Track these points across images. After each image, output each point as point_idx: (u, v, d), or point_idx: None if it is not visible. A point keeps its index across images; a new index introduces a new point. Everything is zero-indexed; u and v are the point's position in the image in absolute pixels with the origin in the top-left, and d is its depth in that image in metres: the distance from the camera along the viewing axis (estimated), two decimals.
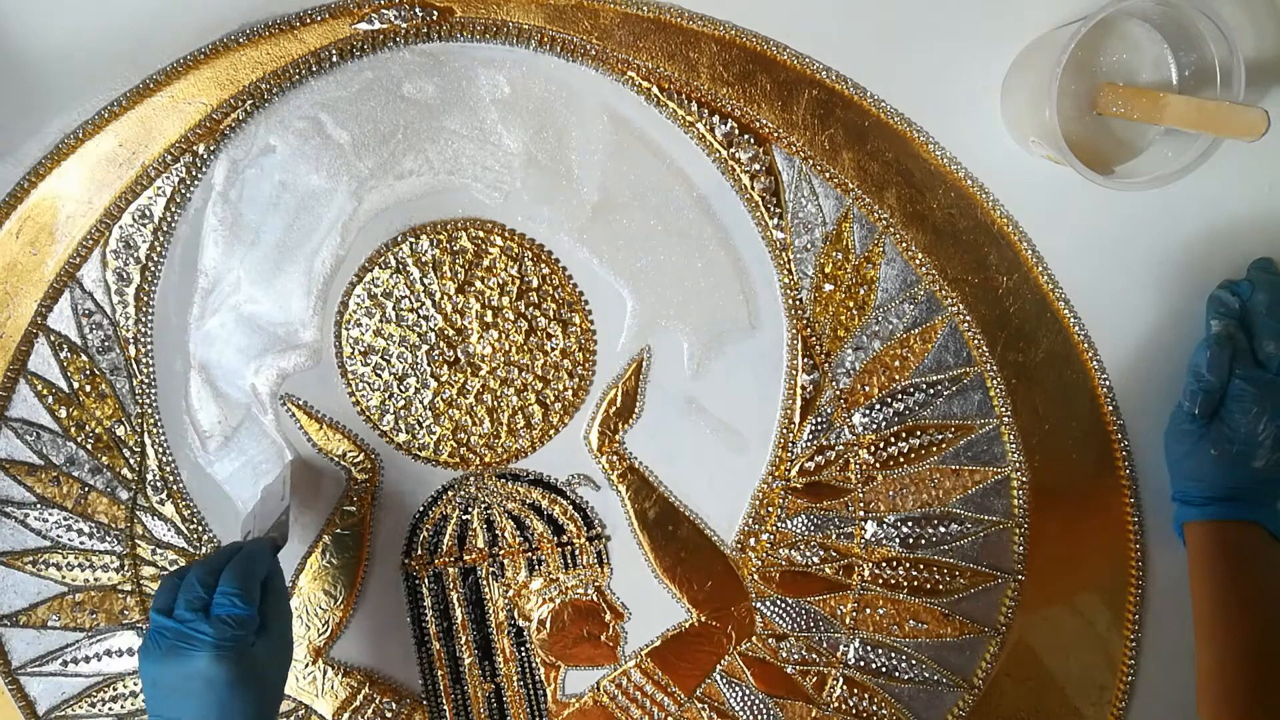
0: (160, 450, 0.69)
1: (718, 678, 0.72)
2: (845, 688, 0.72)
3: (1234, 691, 0.60)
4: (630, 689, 0.72)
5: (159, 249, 0.67)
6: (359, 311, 0.68)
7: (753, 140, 0.66)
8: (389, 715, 0.72)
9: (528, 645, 0.72)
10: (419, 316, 0.68)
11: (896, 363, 0.68)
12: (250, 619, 0.56)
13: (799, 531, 0.70)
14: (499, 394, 0.69)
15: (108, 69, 0.65)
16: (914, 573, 0.70)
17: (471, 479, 0.70)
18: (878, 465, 0.69)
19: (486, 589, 0.71)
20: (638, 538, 0.71)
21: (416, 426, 0.69)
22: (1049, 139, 0.59)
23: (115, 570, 0.70)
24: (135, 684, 0.72)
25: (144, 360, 0.68)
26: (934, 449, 0.69)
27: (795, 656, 0.71)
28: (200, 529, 0.70)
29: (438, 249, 0.67)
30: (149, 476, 0.69)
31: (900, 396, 0.69)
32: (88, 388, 0.68)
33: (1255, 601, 0.61)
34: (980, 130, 0.66)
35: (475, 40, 0.65)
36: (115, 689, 0.72)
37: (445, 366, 0.68)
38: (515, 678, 0.72)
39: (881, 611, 0.71)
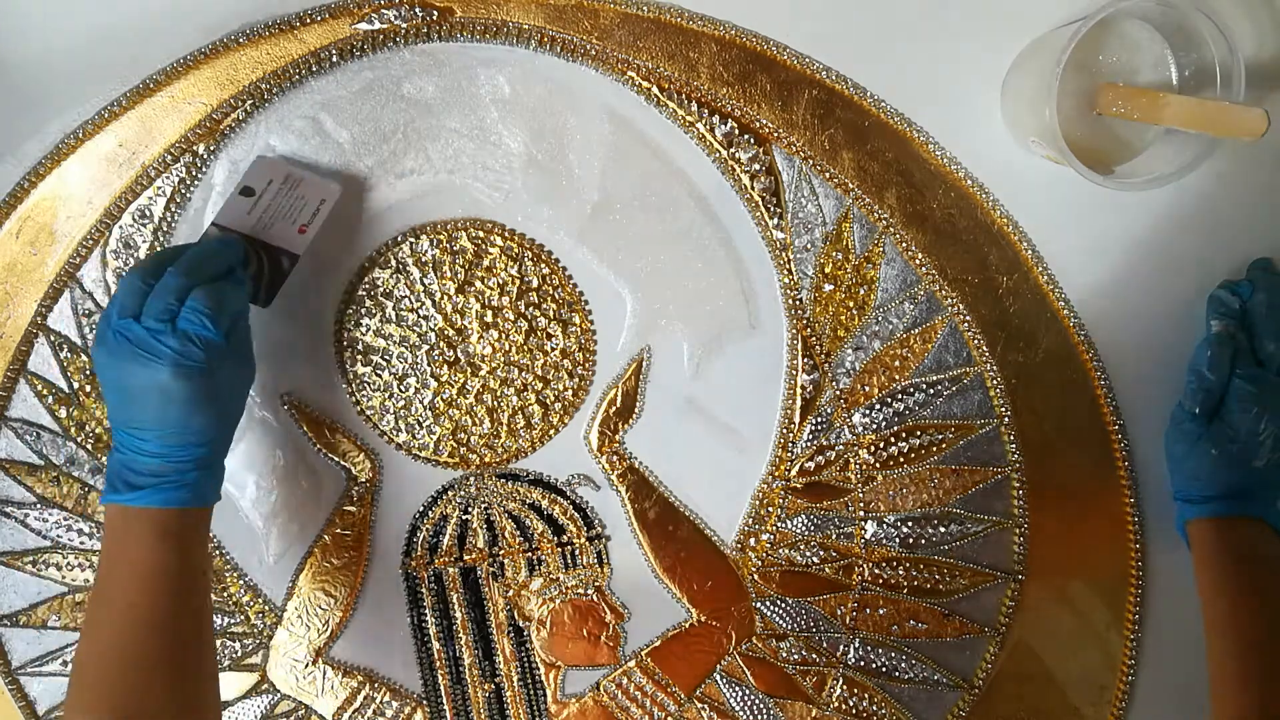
0: None
1: (718, 678, 0.72)
2: (845, 688, 0.72)
3: (1247, 682, 0.60)
4: (630, 689, 0.72)
5: (159, 249, 0.67)
6: (359, 311, 0.68)
7: (753, 140, 0.66)
8: (389, 715, 0.72)
9: (528, 645, 0.72)
10: (419, 316, 0.68)
11: (896, 363, 0.68)
12: (217, 344, 0.55)
13: (799, 531, 0.70)
14: (499, 394, 0.69)
15: (108, 69, 0.65)
16: (914, 573, 0.70)
17: (471, 479, 0.70)
18: (878, 465, 0.69)
19: (486, 589, 0.71)
20: (638, 538, 0.71)
21: (416, 426, 0.69)
22: (1049, 139, 0.59)
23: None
24: None
25: None
26: (934, 449, 0.69)
27: (795, 656, 0.71)
28: None
29: (438, 249, 0.67)
30: None
31: (900, 396, 0.69)
32: (88, 388, 0.68)
33: (1263, 593, 0.61)
34: (980, 130, 0.66)
35: (475, 40, 0.65)
36: None
37: (445, 366, 0.68)
38: (515, 678, 0.72)
39: (881, 611, 0.71)
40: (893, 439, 0.69)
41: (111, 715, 0.55)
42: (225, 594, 0.71)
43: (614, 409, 0.69)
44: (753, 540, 0.71)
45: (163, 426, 0.55)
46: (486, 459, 0.70)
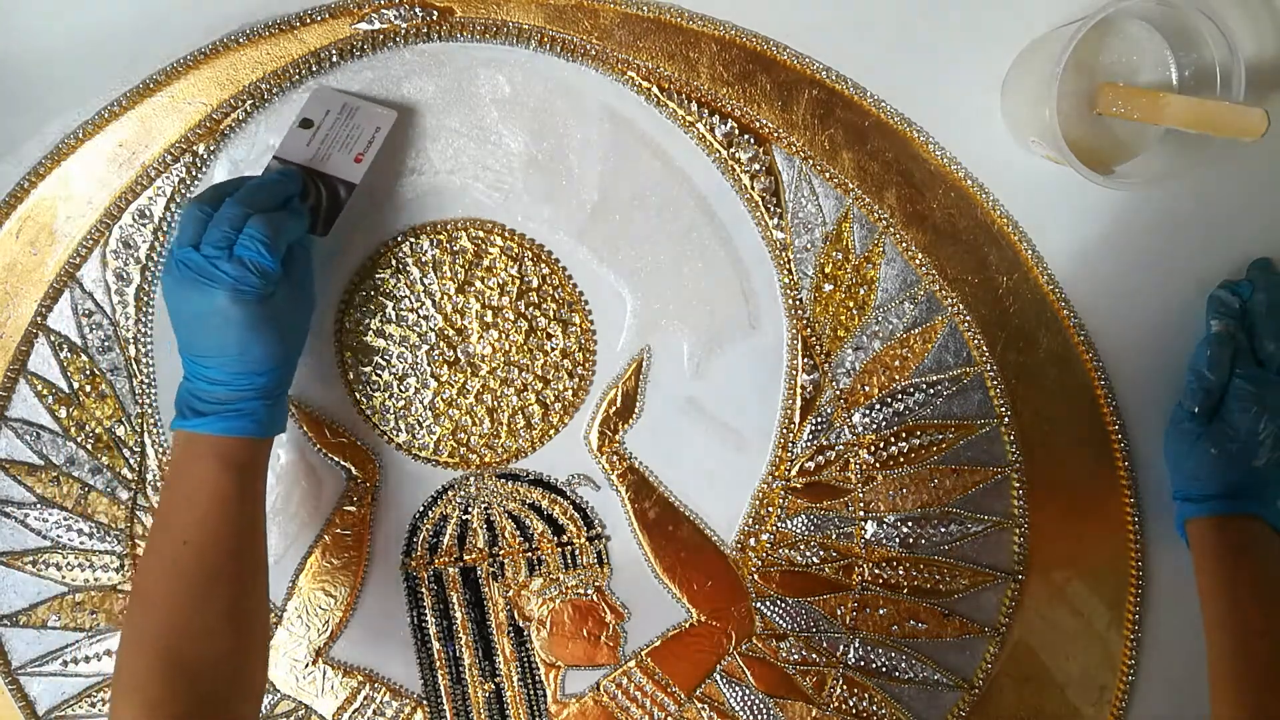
0: (160, 450, 0.69)
1: (718, 678, 0.72)
2: (845, 688, 0.72)
3: (1246, 679, 0.60)
4: (630, 689, 0.72)
5: (159, 249, 0.67)
6: (359, 311, 0.68)
7: (753, 140, 0.66)
8: (389, 715, 0.72)
9: (528, 645, 0.72)
10: (419, 316, 0.68)
11: (896, 363, 0.68)
12: (272, 271, 0.56)
13: (799, 531, 0.70)
14: (499, 394, 0.69)
15: (108, 69, 0.65)
16: (914, 573, 0.70)
17: (471, 479, 0.70)
18: (878, 465, 0.69)
19: (486, 589, 0.71)
20: (638, 538, 0.71)
21: (416, 426, 0.69)
22: (1049, 139, 0.59)
23: (115, 570, 0.70)
24: None
25: (144, 360, 0.68)
26: (934, 449, 0.69)
27: (795, 656, 0.71)
28: None
29: (438, 249, 0.67)
30: (149, 476, 0.69)
31: (900, 396, 0.69)
32: (88, 388, 0.68)
33: (1261, 590, 0.61)
34: (980, 130, 0.66)
35: (475, 40, 0.65)
36: None
37: (445, 366, 0.68)
38: (515, 678, 0.72)
39: (881, 611, 0.71)
40: (893, 439, 0.69)
41: (169, 633, 0.56)
42: None
43: (614, 409, 0.69)
44: (753, 540, 0.71)
45: (223, 352, 0.57)
46: (486, 459, 0.70)
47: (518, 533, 0.71)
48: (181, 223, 0.57)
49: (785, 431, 0.69)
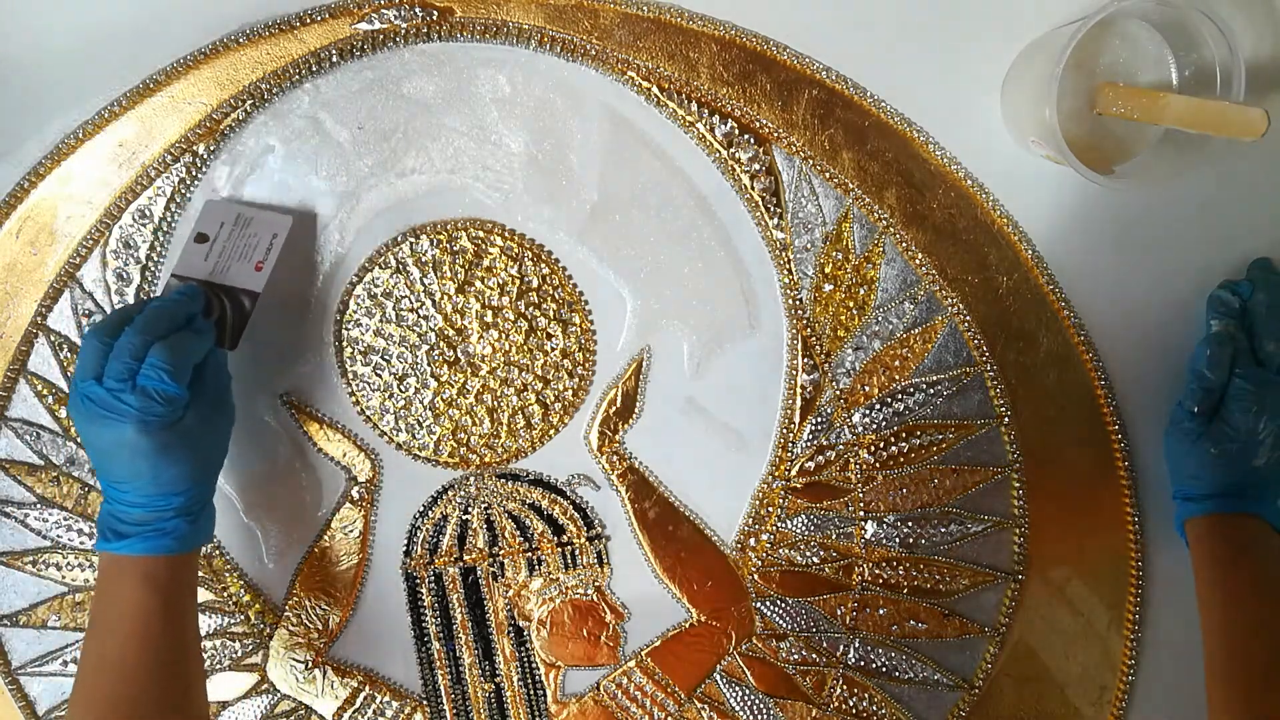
0: None
1: (718, 678, 0.72)
2: (845, 688, 0.72)
3: (1243, 678, 0.60)
4: (630, 689, 0.72)
5: (159, 249, 0.67)
6: (359, 311, 0.68)
7: (753, 140, 0.66)
8: (389, 715, 0.72)
9: (528, 645, 0.72)
10: (419, 316, 0.68)
11: (896, 363, 0.68)
12: (177, 396, 0.56)
13: (799, 531, 0.70)
14: (499, 394, 0.69)
15: (108, 69, 0.65)
16: (914, 573, 0.70)
17: (471, 479, 0.70)
18: (878, 465, 0.69)
19: (486, 589, 0.71)
20: (638, 538, 0.71)
21: (416, 426, 0.69)
22: (1049, 139, 0.59)
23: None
24: None
25: None
26: (934, 449, 0.69)
27: (795, 656, 0.71)
28: None
29: (438, 249, 0.67)
30: None
31: (900, 396, 0.69)
32: None
33: (1259, 587, 0.62)
34: (980, 130, 0.66)
35: (475, 40, 0.65)
36: None
37: (445, 366, 0.68)
38: (515, 678, 0.72)
39: (881, 611, 0.71)
40: (893, 439, 0.69)
41: None
42: (225, 594, 0.71)
43: (614, 409, 0.69)
44: (753, 540, 0.71)
45: (136, 478, 0.57)
46: (486, 459, 0.70)
47: (518, 533, 0.71)
48: (81, 354, 0.57)
49: (785, 431, 0.69)
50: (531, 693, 0.72)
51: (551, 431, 0.70)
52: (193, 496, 0.59)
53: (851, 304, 0.68)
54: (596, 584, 0.71)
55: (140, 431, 0.55)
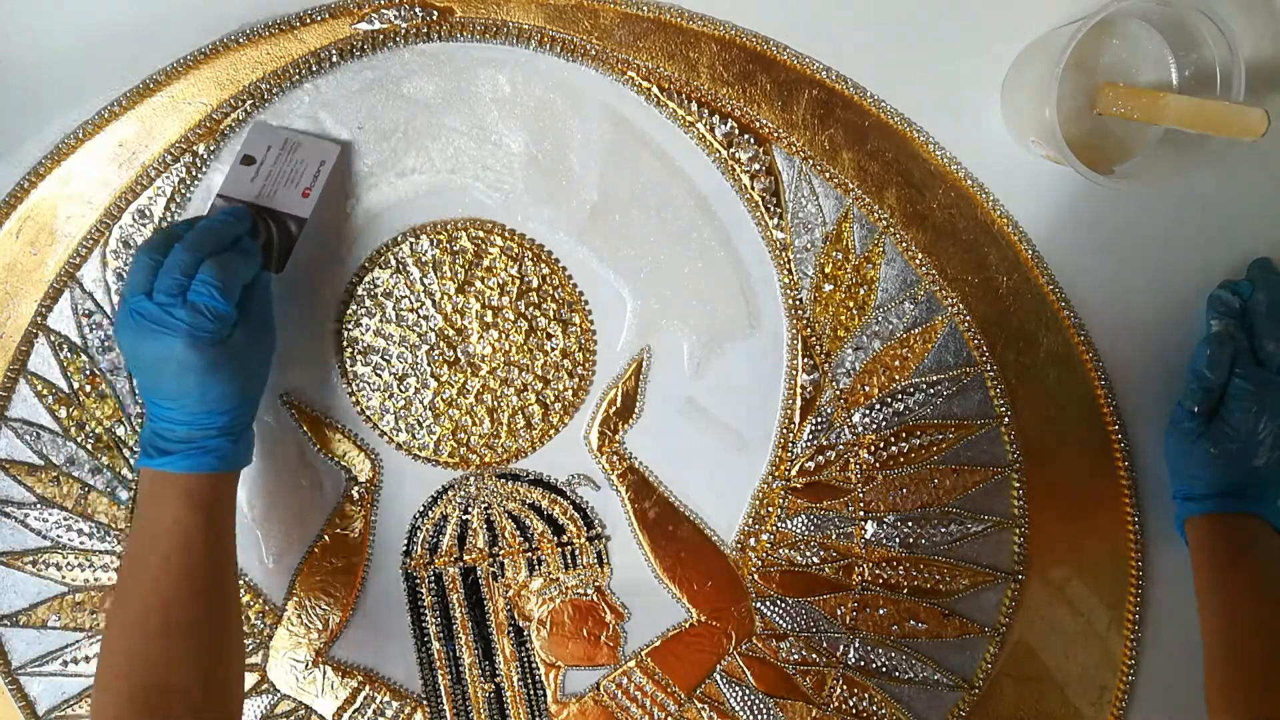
0: None
1: (718, 678, 0.72)
2: (845, 688, 0.72)
3: (1242, 676, 0.60)
4: (630, 689, 0.72)
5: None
6: (359, 311, 0.68)
7: (753, 140, 0.66)
8: (389, 715, 0.72)
9: (528, 645, 0.72)
10: (419, 316, 0.68)
11: (896, 363, 0.68)
12: (227, 314, 0.56)
13: (799, 531, 0.70)
14: (499, 394, 0.69)
15: (108, 69, 0.65)
16: (914, 573, 0.70)
17: (471, 479, 0.70)
18: (878, 465, 0.69)
19: (486, 589, 0.71)
20: (638, 538, 0.71)
21: (416, 426, 0.69)
22: (1049, 139, 0.59)
23: (115, 570, 0.70)
24: None
25: None
26: (934, 449, 0.69)
27: (795, 656, 0.71)
28: None
29: (438, 249, 0.67)
30: None
31: (900, 396, 0.69)
32: (88, 388, 0.68)
33: (1258, 586, 0.62)
34: (980, 130, 0.66)
35: (475, 40, 0.65)
36: None
37: (445, 366, 0.68)
38: (515, 678, 0.72)
39: (881, 611, 0.71)
40: (893, 439, 0.69)
41: (135, 685, 0.56)
42: None
43: (614, 409, 0.69)
44: (753, 540, 0.71)
45: (183, 395, 0.57)
46: (486, 459, 0.70)
47: (518, 533, 0.71)
48: (132, 270, 0.57)
49: (785, 431, 0.69)
50: (531, 693, 0.72)
51: (551, 431, 0.70)
52: (236, 416, 0.59)
53: (851, 304, 0.68)
54: (596, 584, 0.71)
55: (190, 346, 0.55)
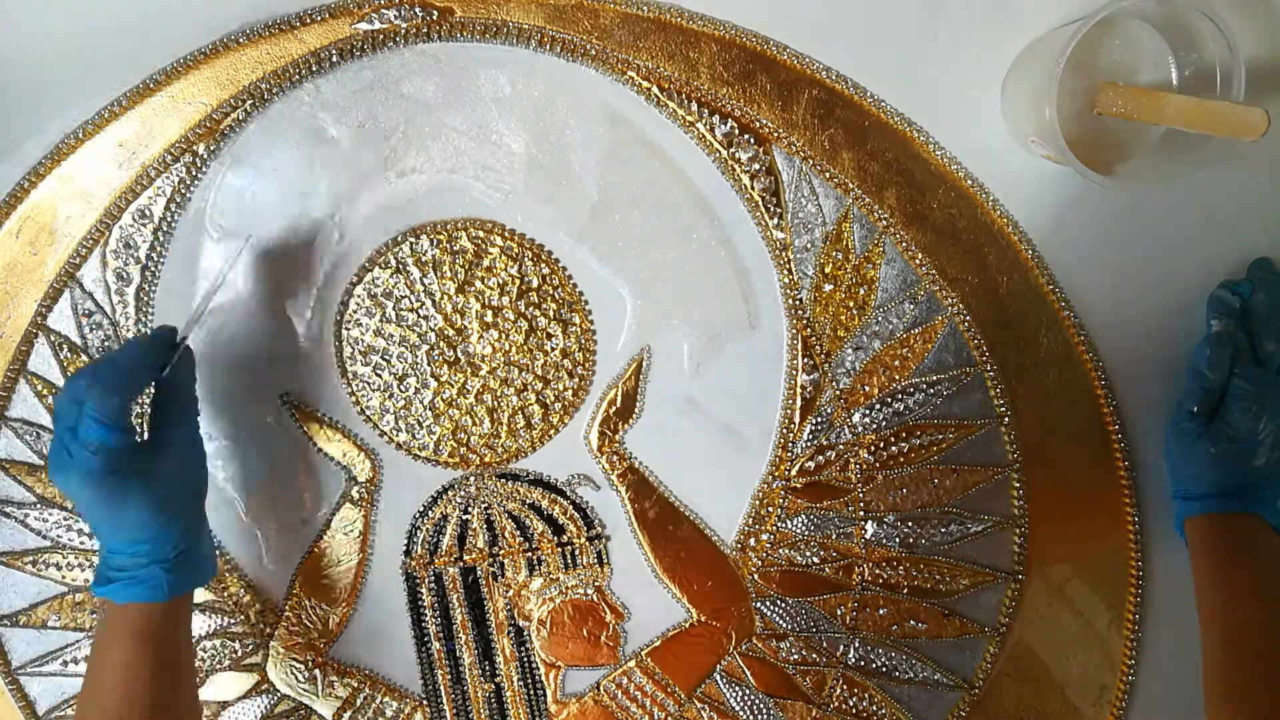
0: None
1: (718, 678, 0.72)
2: (845, 688, 0.72)
3: (1241, 675, 0.60)
4: (630, 689, 0.72)
5: (159, 249, 0.67)
6: (359, 311, 0.68)
7: (753, 140, 0.66)
8: (389, 715, 0.72)
9: (528, 645, 0.72)
10: (419, 316, 0.68)
11: (896, 363, 0.68)
12: (117, 441, 0.55)
13: (799, 531, 0.70)
14: (499, 394, 0.69)
15: (108, 69, 0.65)
16: (914, 573, 0.70)
17: (471, 479, 0.70)
18: (878, 465, 0.69)
19: (486, 589, 0.71)
20: (638, 538, 0.71)
21: (416, 426, 0.69)
22: (1049, 139, 0.59)
23: None
24: None
25: None
26: (934, 449, 0.69)
27: (795, 656, 0.71)
28: None
29: (438, 249, 0.67)
30: None
31: (900, 396, 0.69)
32: None
33: (1258, 586, 0.62)
34: (980, 130, 0.66)
35: (475, 40, 0.65)
36: None
37: (445, 366, 0.68)
38: (515, 678, 0.72)
39: (881, 611, 0.71)
40: (893, 439, 0.69)
41: None
42: (225, 594, 0.71)
43: (614, 409, 0.69)
44: (753, 540, 0.71)
45: (98, 526, 0.58)
46: (486, 459, 0.70)
47: (518, 533, 0.71)
48: (55, 402, 0.59)
49: (785, 431, 0.69)
50: (531, 693, 0.72)
51: (551, 431, 0.70)
52: (160, 544, 0.58)
53: (851, 304, 0.68)
54: (596, 584, 0.71)
55: (83, 481, 0.55)
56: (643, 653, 0.72)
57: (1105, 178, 0.61)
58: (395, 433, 0.69)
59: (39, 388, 0.68)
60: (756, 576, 0.71)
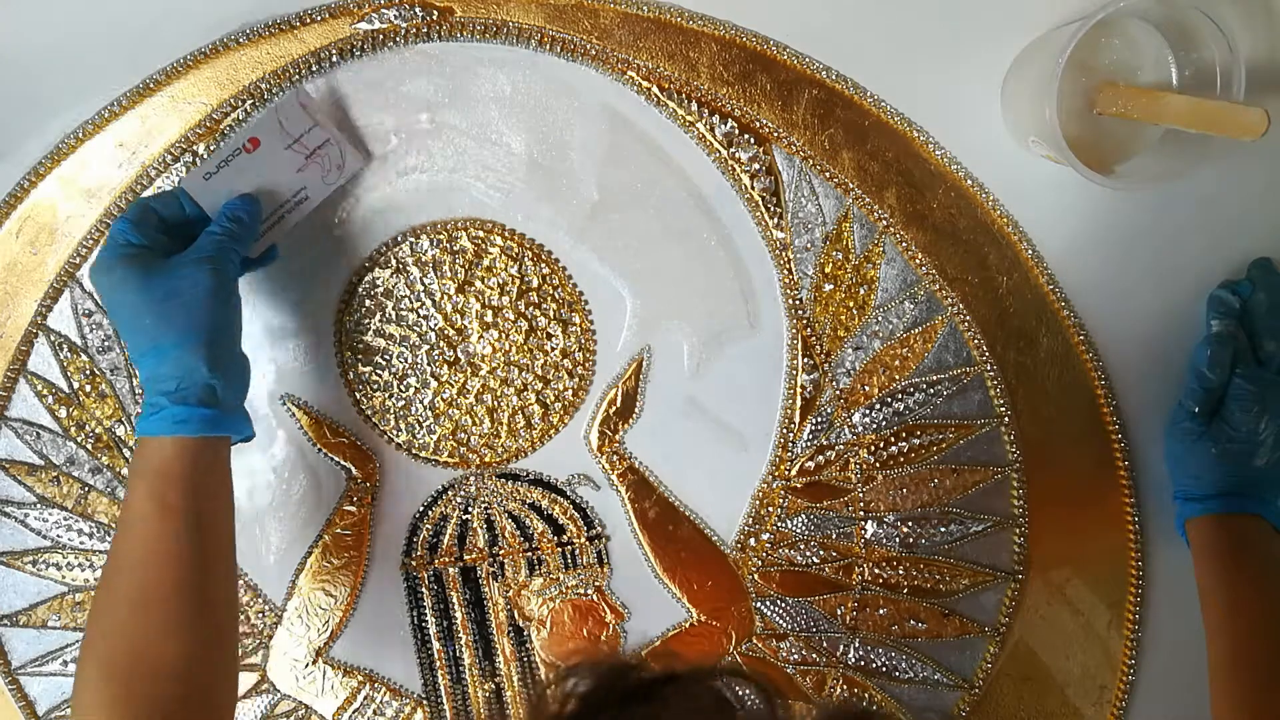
0: None
1: None
2: (845, 688, 0.72)
3: (1246, 678, 0.60)
4: None
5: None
6: (359, 311, 0.68)
7: (753, 140, 0.66)
8: (389, 715, 0.72)
9: (528, 645, 0.72)
10: (419, 316, 0.68)
11: (896, 362, 0.68)
12: (132, 247, 0.58)
13: (799, 531, 0.70)
14: (499, 394, 0.69)
15: (108, 69, 0.65)
16: (914, 573, 0.70)
17: (471, 479, 0.70)
18: (878, 465, 0.69)
19: (486, 589, 0.71)
20: (638, 538, 0.71)
21: (416, 426, 0.69)
22: (1049, 139, 0.59)
23: None
24: None
25: None
26: (934, 449, 0.69)
27: (795, 656, 0.71)
28: None
29: (438, 249, 0.67)
30: None
31: (900, 396, 0.69)
32: (88, 388, 0.68)
33: (1262, 588, 0.62)
34: (980, 130, 0.66)
35: (475, 40, 0.65)
36: None
37: (445, 366, 0.68)
38: (515, 678, 0.72)
39: (881, 611, 0.71)
40: (893, 439, 0.69)
41: (117, 653, 0.55)
42: None
43: (614, 409, 0.69)
44: (753, 540, 0.71)
45: (124, 334, 0.59)
46: (486, 459, 0.70)
47: (518, 533, 0.71)
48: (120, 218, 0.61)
49: (785, 431, 0.69)
50: (531, 693, 0.72)
51: (551, 431, 0.70)
52: (189, 372, 0.56)
53: (851, 304, 0.68)
54: (596, 584, 0.71)
55: (99, 269, 0.58)
56: (643, 653, 0.72)
57: (1105, 178, 0.61)
58: (395, 433, 0.69)
59: (39, 388, 0.68)
60: (756, 576, 0.71)
